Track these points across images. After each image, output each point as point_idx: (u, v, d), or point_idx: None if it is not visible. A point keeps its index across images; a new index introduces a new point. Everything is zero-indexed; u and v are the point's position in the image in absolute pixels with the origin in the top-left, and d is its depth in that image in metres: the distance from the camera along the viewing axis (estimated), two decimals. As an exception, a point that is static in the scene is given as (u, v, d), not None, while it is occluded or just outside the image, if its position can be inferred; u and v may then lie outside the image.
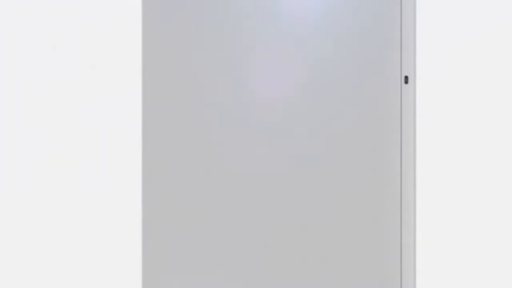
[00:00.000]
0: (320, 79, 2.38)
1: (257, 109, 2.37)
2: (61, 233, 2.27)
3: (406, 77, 2.43)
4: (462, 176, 2.42)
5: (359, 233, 2.42)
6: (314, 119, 2.38)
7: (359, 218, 2.42)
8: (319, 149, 2.39)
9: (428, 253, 2.42)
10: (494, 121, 2.44)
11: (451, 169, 2.42)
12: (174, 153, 2.36)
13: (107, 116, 2.29)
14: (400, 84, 2.43)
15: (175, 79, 2.36)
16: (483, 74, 2.43)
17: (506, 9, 2.42)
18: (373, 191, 2.42)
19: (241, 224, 2.38)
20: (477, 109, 2.43)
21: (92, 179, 2.28)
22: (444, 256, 2.42)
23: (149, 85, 2.35)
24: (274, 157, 2.38)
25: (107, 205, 2.29)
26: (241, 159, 2.37)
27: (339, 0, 2.39)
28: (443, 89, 2.42)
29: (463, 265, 2.43)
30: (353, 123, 2.40)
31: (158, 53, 2.35)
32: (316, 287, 2.41)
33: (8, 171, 2.23)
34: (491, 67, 2.43)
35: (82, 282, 2.28)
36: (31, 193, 2.24)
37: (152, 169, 2.35)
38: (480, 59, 2.43)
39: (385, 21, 2.41)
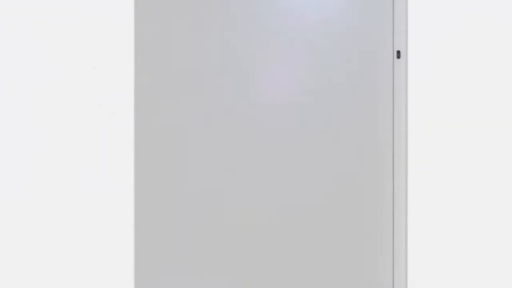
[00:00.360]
0: (311, 54, 2.44)
1: (247, 101, 2.43)
2: (52, 233, 2.25)
3: (398, 52, 2.48)
4: (453, 148, 2.45)
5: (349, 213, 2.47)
6: (305, 94, 2.43)
7: (351, 198, 2.46)
8: (310, 123, 2.44)
9: (420, 251, 2.45)
10: (487, 94, 2.46)
11: (443, 144, 2.45)
12: (167, 151, 2.38)
13: (100, 113, 2.28)
14: (392, 59, 2.48)
15: (170, 78, 2.38)
16: (475, 48, 2.46)
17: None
18: (364, 166, 2.46)
19: (234, 224, 2.41)
20: (468, 82, 2.46)
21: (85, 177, 2.26)
22: (436, 256, 2.44)
23: (143, 86, 2.37)
24: (265, 151, 2.44)
25: (100, 204, 2.28)
26: (233, 157, 2.41)
27: (332, -23, 2.45)
28: (434, 63, 2.45)
29: (454, 264, 2.44)
30: (346, 97, 2.45)
31: (153, 54, 2.37)
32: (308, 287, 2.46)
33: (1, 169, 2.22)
34: (483, 41, 2.46)
35: (75, 282, 2.28)
36: (27, 190, 2.23)
37: (145, 168, 2.37)
38: (472, 33, 2.46)
39: (377, -2, 2.48)
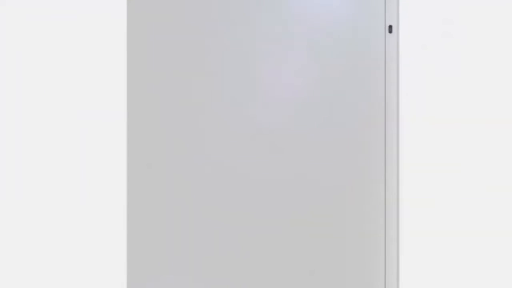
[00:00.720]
0: (304, 28, 2.46)
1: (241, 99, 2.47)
2: (44, 232, 2.26)
3: (390, 27, 2.46)
4: (445, 125, 2.40)
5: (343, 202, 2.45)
6: (297, 72, 2.45)
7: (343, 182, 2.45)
8: (302, 104, 2.45)
9: (412, 251, 2.41)
10: (479, 68, 2.41)
11: (434, 120, 2.41)
12: (165, 150, 2.42)
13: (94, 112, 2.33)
14: (384, 34, 2.46)
15: (170, 78, 2.44)
16: (467, 20, 2.42)
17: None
18: (356, 146, 2.45)
19: (231, 224, 2.44)
20: (460, 57, 2.41)
21: (82, 176, 2.30)
22: (428, 256, 2.40)
23: (143, 85, 2.43)
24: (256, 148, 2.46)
25: (95, 204, 2.30)
26: (227, 158, 2.44)
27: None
28: (426, 38, 2.43)
29: (448, 264, 2.39)
30: (337, 72, 2.45)
31: (154, 54, 2.43)
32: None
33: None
34: (476, 15, 2.42)
35: (68, 282, 2.29)
36: (23, 188, 2.26)
37: (141, 168, 2.41)
38: (465, 7, 2.43)
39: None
